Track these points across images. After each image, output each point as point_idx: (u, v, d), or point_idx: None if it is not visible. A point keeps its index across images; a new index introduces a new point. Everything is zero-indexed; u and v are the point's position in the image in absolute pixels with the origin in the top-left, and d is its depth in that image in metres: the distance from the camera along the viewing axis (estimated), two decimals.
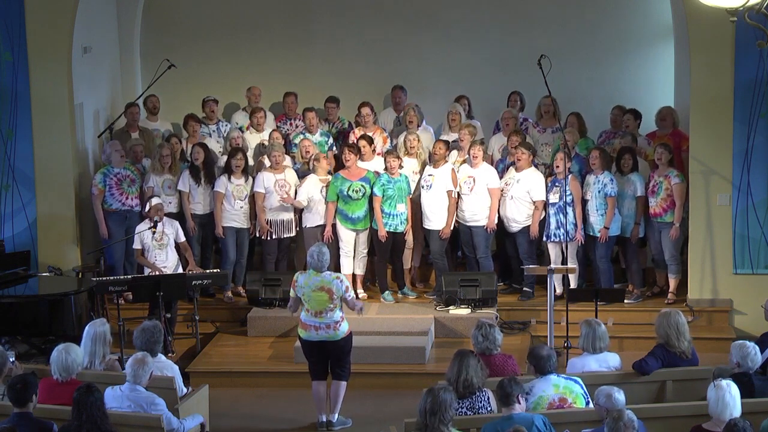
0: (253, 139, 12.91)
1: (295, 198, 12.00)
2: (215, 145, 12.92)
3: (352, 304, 9.40)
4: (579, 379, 7.79)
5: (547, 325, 10.47)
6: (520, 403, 7.11)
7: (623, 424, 6.55)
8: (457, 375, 7.51)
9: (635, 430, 6.59)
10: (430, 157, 12.13)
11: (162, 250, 11.46)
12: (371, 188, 11.86)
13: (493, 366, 8.16)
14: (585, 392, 7.72)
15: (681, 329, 8.35)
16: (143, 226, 11.50)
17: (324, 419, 9.42)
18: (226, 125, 13.27)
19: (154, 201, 11.50)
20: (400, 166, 11.92)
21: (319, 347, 9.28)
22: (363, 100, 12.88)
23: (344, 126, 13.27)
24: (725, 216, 11.53)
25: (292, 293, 9.42)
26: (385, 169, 11.95)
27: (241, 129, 13.06)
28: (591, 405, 7.59)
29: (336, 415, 9.41)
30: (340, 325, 9.23)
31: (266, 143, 12.75)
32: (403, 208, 11.89)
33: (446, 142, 12.13)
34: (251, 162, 12.60)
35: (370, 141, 12.30)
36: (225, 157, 12.44)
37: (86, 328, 8.55)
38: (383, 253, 12.01)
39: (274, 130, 12.83)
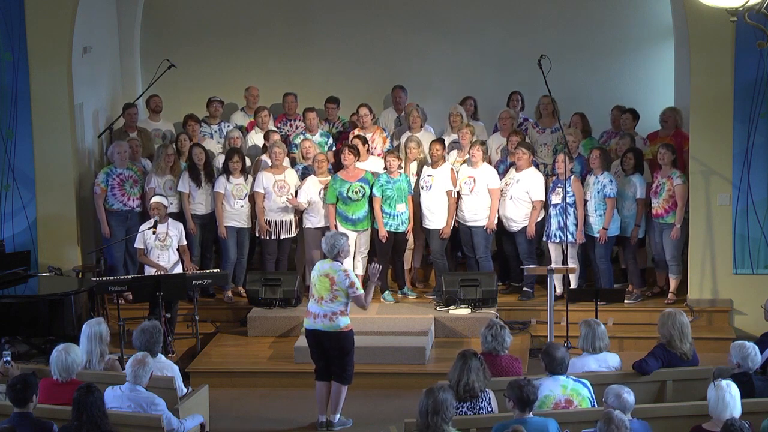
0: (258, 138, 12.90)
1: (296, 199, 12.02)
2: (216, 145, 12.92)
3: (359, 302, 9.22)
4: (587, 382, 7.76)
5: (547, 325, 10.48)
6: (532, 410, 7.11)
7: (615, 426, 6.54)
8: (458, 379, 7.49)
9: (628, 429, 6.58)
10: (427, 159, 12.12)
11: (164, 251, 11.46)
12: (370, 189, 11.87)
13: (498, 367, 8.16)
14: (592, 396, 7.69)
15: (684, 330, 8.35)
16: (145, 226, 11.50)
17: (323, 420, 9.42)
18: (228, 126, 13.26)
19: (154, 199, 11.50)
20: (400, 167, 11.91)
21: (319, 339, 9.27)
22: (363, 100, 12.87)
23: (344, 126, 13.27)
24: (725, 216, 11.53)
25: None
26: (385, 168, 11.96)
27: (240, 129, 13.06)
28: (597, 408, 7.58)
29: (337, 416, 9.40)
30: (338, 317, 9.18)
31: (265, 144, 12.77)
32: (403, 208, 11.88)
33: (442, 142, 12.12)
34: (249, 162, 12.60)
35: (364, 141, 12.30)
36: (222, 158, 12.46)
37: (83, 327, 8.57)
38: (384, 254, 12.00)
39: (271, 131, 12.83)
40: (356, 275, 11.93)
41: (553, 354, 7.73)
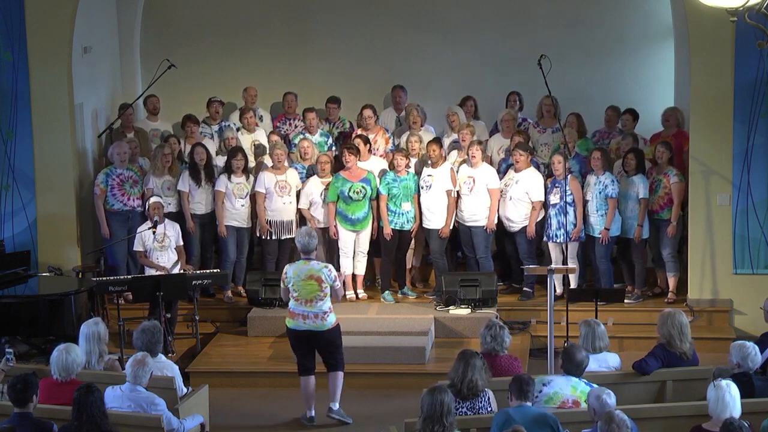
0: (245, 140, 12.90)
1: (297, 202, 12.03)
2: (215, 145, 12.92)
3: (336, 293, 9.53)
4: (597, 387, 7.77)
5: (547, 325, 10.45)
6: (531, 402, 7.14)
7: (616, 425, 6.54)
8: (462, 376, 7.49)
9: (629, 429, 6.59)
10: (427, 159, 12.10)
11: (163, 251, 11.47)
12: (371, 189, 11.87)
13: (498, 367, 8.17)
14: None
15: (684, 330, 8.36)
16: (144, 227, 11.51)
17: (311, 414, 9.51)
18: (228, 125, 13.26)
19: (153, 200, 11.51)
20: (408, 165, 11.92)
21: (307, 339, 9.36)
22: (364, 100, 12.88)
23: (345, 126, 13.26)
24: (725, 216, 11.53)
25: (282, 285, 9.51)
26: (392, 167, 11.96)
27: (238, 129, 13.05)
28: None
29: (336, 403, 9.45)
30: (327, 315, 9.32)
31: (257, 143, 12.76)
32: (409, 207, 11.90)
33: (439, 142, 12.11)
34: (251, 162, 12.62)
35: (366, 141, 12.30)
36: (222, 157, 12.46)
37: (81, 327, 8.57)
38: (388, 252, 12.01)
39: (272, 132, 12.83)
40: (355, 275, 12.07)
41: (573, 355, 7.77)
